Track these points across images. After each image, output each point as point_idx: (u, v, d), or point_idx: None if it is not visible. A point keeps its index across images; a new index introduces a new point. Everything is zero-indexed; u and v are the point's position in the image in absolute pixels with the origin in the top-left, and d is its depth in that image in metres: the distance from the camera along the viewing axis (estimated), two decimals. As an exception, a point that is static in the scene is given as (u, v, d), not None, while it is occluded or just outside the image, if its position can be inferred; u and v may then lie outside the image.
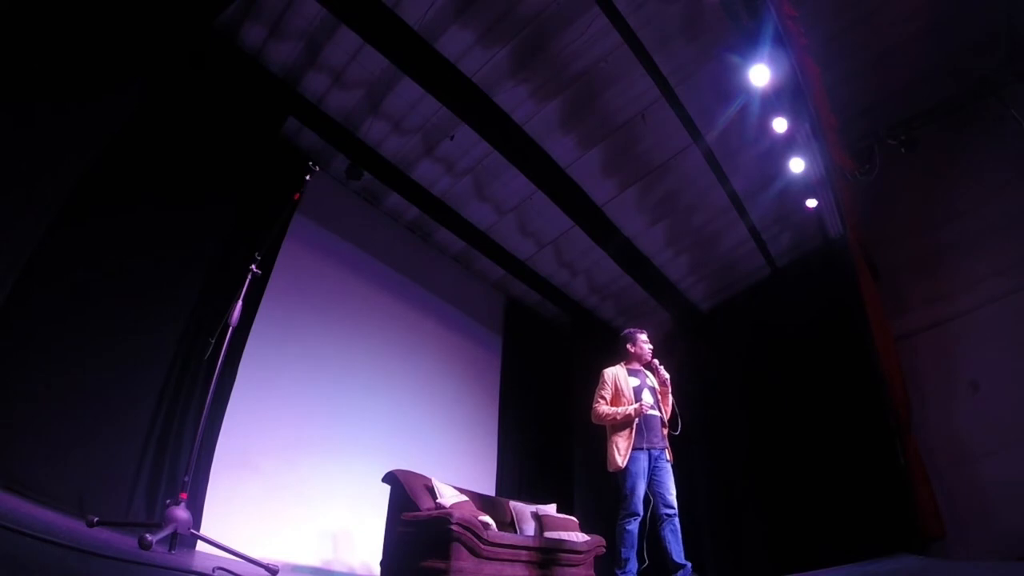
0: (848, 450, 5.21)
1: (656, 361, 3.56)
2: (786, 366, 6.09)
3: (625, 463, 3.21)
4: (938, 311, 5.22)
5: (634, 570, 3.12)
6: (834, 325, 5.75)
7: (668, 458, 3.35)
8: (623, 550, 3.11)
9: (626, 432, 3.29)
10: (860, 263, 5.26)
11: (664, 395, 3.54)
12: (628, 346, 3.65)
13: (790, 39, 3.97)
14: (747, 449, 6.19)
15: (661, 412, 3.47)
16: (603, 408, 3.41)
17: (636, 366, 3.61)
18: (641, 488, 3.20)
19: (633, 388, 3.44)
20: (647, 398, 3.41)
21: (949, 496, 4.46)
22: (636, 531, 3.14)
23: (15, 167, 3.03)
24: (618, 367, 3.58)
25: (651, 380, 3.56)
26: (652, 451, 3.30)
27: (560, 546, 3.71)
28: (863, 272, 5.23)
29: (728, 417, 6.50)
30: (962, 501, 4.45)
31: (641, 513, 3.17)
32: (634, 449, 3.25)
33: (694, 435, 6.62)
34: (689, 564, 3.11)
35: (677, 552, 3.13)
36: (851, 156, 5.17)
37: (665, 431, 3.42)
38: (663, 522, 3.18)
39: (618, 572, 3.11)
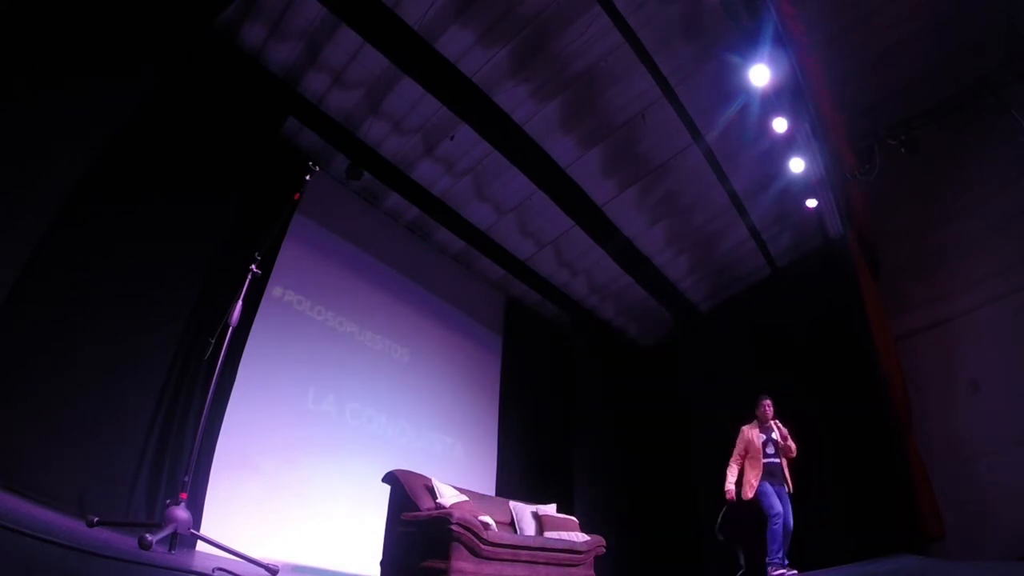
0: (848, 450, 5.21)
1: (776, 422, 4.48)
2: (786, 366, 6.09)
3: (752, 494, 4.37)
4: (938, 311, 5.23)
5: (778, 560, 4.09)
6: (834, 325, 5.75)
7: (788, 489, 4.37)
8: (772, 546, 4.16)
9: (757, 470, 4.45)
10: (860, 263, 5.26)
11: (785, 447, 4.47)
12: (756, 410, 4.64)
13: (791, 38, 3.96)
14: (747, 449, 6.18)
15: (781, 459, 4.43)
16: (728, 474, 4.53)
17: (764, 425, 4.55)
18: (775, 499, 4.25)
19: (761, 443, 4.45)
20: (768, 451, 4.46)
21: (949, 496, 4.46)
22: (778, 529, 4.15)
23: (16, 168, 3.03)
24: (751, 426, 4.59)
25: (775, 434, 4.47)
26: (774, 485, 4.33)
27: (560, 546, 3.71)
28: (863, 272, 5.23)
29: (728, 417, 6.49)
30: (962, 501, 4.45)
31: (781, 513, 4.19)
32: (760, 481, 4.39)
33: (693, 434, 6.66)
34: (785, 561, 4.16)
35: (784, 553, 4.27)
36: (854, 155, 5.16)
37: (786, 472, 4.41)
38: (785, 535, 4.29)
39: (769, 561, 4.15)
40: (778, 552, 4.19)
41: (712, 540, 6.16)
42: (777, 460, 4.49)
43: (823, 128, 4.68)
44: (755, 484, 4.40)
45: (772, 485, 4.36)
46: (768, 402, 4.70)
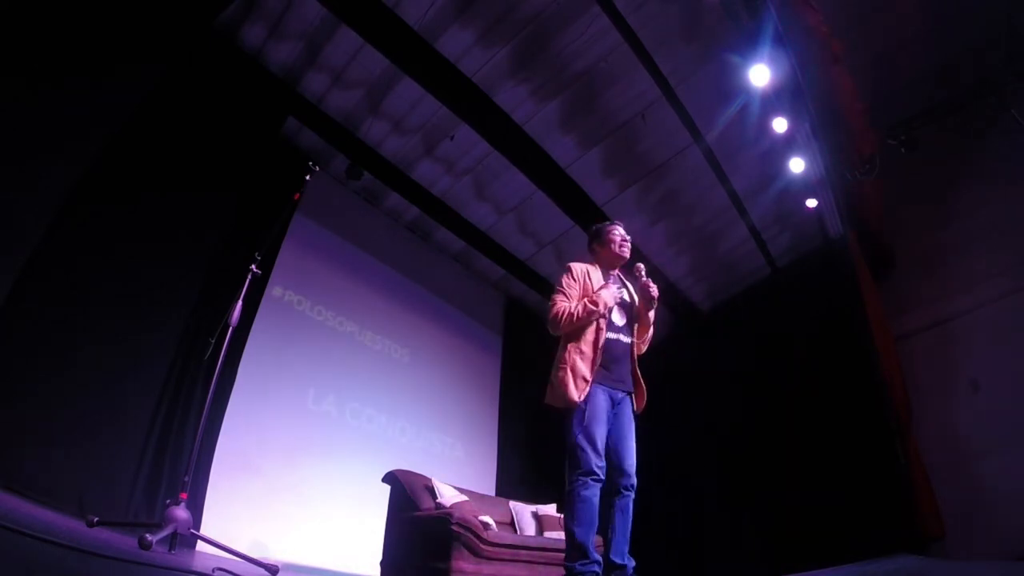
0: (848, 450, 5.21)
1: (642, 267, 2.62)
2: (786, 366, 6.09)
3: (582, 396, 2.32)
4: (938, 311, 5.22)
5: (597, 557, 2.24)
6: (834, 325, 5.75)
7: (634, 407, 2.51)
8: (577, 531, 2.20)
9: (589, 353, 2.41)
10: (860, 263, 5.25)
11: (643, 320, 2.61)
12: (595, 244, 2.73)
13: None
14: (747, 449, 6.19)
15: (632, 339, 2.58)
16: (563, 304, 2.47)
17: (608, 272, 2.69)
18: (601, 437, 2.31)
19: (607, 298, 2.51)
20: (615, 317, 2.55)
21: (949, 496, 4.46)
22: (596, 501, 2.25)
23: (16, 168, 3.03)
24: (590, 265, 2.67)
25: (627, 294, 2.65)
26: (615, 393, 2.45)
27: (560, 546, 3.71)
28: (863, 272, 5.23)
29: (728, 417, 6.50)
30: (962, 501, 4.45)
31: (603, 475, 2.29)
32: (593, 383, 2.36)
33: (693, 435, 6.67)
34: (632, 563, 2.32)
35: (620, 543, 2.31)
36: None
37: (636, 369, 2.56)
38: (615, 495, 2.34)
39: (577, 566, 2.18)
40: (583, 552, 2.19)
41: (711, 539, 6.17)
42: (628, 339, 2.56)
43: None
44: (586, 380, 2.35)
45: (610, 390, 2.43)
46: (621, 231, 2.71)
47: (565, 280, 2.61)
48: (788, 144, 4.85)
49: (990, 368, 4.71)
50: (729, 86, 4.49)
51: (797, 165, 4.96)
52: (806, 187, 5.23)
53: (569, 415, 2.37)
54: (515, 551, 3.37)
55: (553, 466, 6.54)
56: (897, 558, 4.16)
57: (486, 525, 3.33)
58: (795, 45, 4.02)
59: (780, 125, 4.59)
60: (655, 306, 2.62)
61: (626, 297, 2.64)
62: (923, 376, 5.06)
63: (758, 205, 5.88)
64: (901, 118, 5.36)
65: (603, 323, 2.47)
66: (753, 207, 5.90)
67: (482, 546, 3.16)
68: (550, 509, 4.28)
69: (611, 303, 2.48)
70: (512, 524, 4.10)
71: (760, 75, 4.15)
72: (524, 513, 4.18)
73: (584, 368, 2.39)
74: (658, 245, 6.35)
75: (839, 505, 5.03)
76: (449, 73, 4.38)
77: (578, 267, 2.65)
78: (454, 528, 3.06)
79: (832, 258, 5.78)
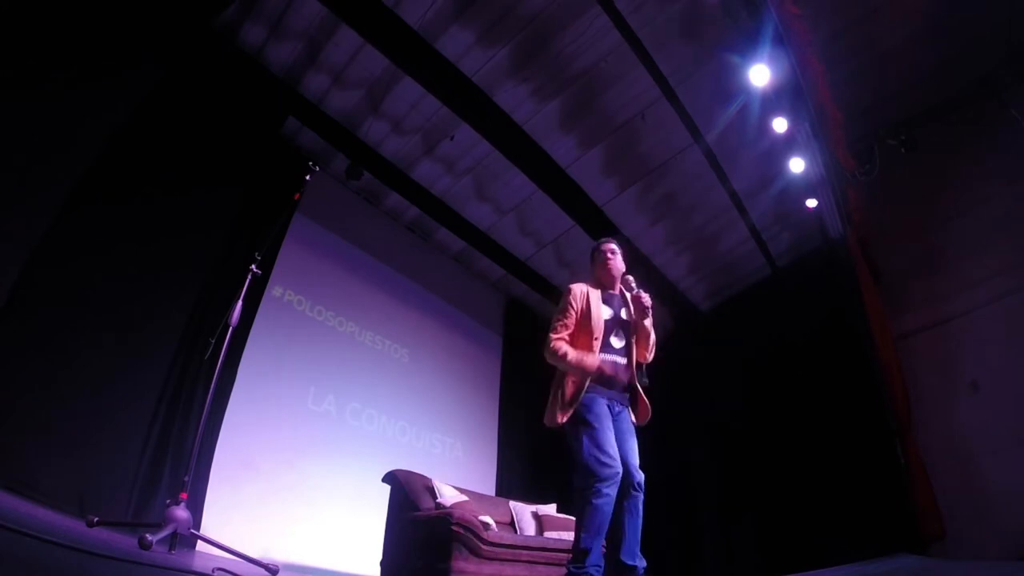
0: (848, 450, 5.21)
1: (632, 279, 2.61)
2: (786, 366, 6.09)
3: (570, 415, 2.37)
4: (938, 311, 5.21)
5: (596, 561, 2.19)
6: (834, 325, 5.75)
7: (632, 420, 2.52)
8: (584, 536, 2.17)
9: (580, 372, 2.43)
10: (860, 263, 5.25)
11: (642, 331, 2.58)
12: (593, 267, 2.77)
13: (794, 37, 3.95)
14: (747, 449, 6.19)
15: (630, 356, 2.55)
16: (563, 346, 2.48)
17: (608, 291, 2.67)
18: (610, 441, 2.29)
19: (604, 320, 2.51)
20: (612, 340, 2.54)
21: (949, 496, 4.46)
22: (609, 509, 2.20)
23: (16, 168, 3.03)
24: (589, 284, 2.67)
25: (624, 311, 2.63)
26: (612, 404, 2.45)
27: (560, 546, 3.71)
28: (863, 272, 5.23)
29: (728, 417, 6.50)
30: (962, 501, 4.44)
31: (619, 476, 2.23)
32: (588, 392, 2.39)
33: (693, 435, 6.67)
34: (643, 564, 2.28)
35: (631, 543, 2.28)
36: (852, 155, 5.16)
37: (629, 382, 2.53)
38: (624, 497, 2.30)
39: (572, 568, 2.17)
40: (596, 553, 2.17)
41: (711, 539, 6.17)
42: (623, 359, 2.54)
43: (824, 128, 4.66)
44: (576, 393, 2.39)
45: (609, 402, 2.43)
46: (614, 246, 2.75)
47: (564, 307, 2.61)
48: (788, 144, 4.84)
49: (990, 368, 4.71)
50: (729, 86, 4.50)
51: (797, 165, 4.96)
52: (806, 187, 5.23)
53: (574, 427, 2.37)
54: (515, 551, 3.37)
55: (553, 466, 6.57)
56: (897, 558, 4.16)
57: (486, 525, 3.33)
58: (797, 45, 4.02)
59: (780, 125, 4.59)
60: (650, 315, 2.61)
61: (623, 315, 2.63)
62: (923, 376, 5.05)
63: (758, 205, 5.89)
64: (901, 118, 5.35)
65: (597, 346, 2.48)
66: (753, 207, 5.91)
67: (482, 546, 3.15)
68: (550, 509, 4.28)
69: (594, 368, 2.44)
70: (512, 524, 4.10)
71: (760, 75, 4.15)
72: (524, 513, 4.18)
73: (574, 383, 2.45)
74: (658, 245, 6.35)
75: (839, 505, 5.03)
76: (449, 73, 4.38)
77: (578, 289, 2.64)
78: (454, 528, 3.06)
79: (832, 258, 5.77)
